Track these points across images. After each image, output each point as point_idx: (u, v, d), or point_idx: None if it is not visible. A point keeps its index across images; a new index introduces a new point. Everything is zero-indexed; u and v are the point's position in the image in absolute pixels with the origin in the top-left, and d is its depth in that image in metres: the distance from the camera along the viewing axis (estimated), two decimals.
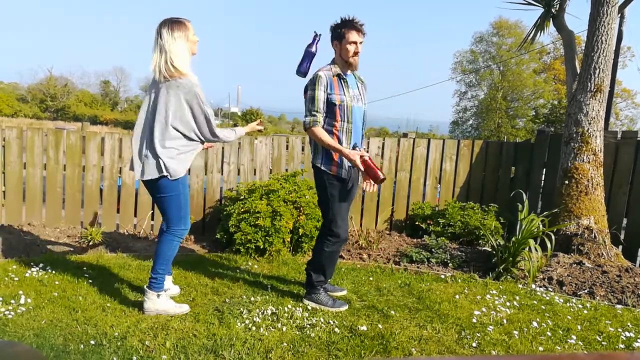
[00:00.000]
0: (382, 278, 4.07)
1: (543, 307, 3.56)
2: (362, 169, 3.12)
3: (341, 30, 3.23)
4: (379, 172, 3.11)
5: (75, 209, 5.18)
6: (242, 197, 4.81)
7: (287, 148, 5.62)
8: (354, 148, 3.22)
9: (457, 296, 3.70)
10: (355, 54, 3.23)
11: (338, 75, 3.26)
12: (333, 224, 3.33)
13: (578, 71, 5.02)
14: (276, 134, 27.60)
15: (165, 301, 3.18)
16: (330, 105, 3.21)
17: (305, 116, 3.23)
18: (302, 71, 3.31)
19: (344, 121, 3.24)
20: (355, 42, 3.20)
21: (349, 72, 3.33)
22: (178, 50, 3.02)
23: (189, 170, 5.35)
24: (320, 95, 3.19)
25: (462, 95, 39.17)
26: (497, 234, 4.93)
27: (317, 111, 3.19)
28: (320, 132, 3.19)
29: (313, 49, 3.32)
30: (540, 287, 3.99)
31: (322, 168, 3.29)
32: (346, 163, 3.25)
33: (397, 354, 2.75)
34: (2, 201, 5.02)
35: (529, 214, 4.30)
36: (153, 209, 5.21)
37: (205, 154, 5.36)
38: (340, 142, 3.23)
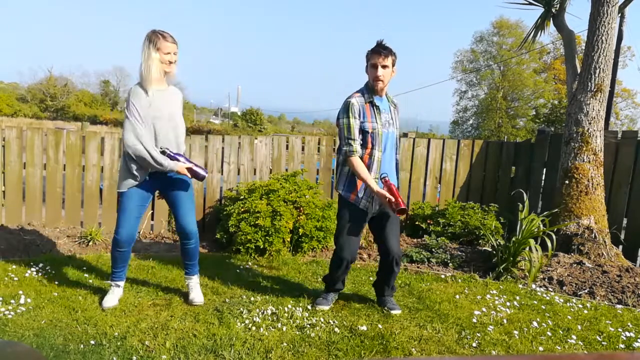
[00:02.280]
0: None
1: (543, 307, 3.56)
2: (386, 201, 3.06)
3: (368, 55, 3.18)
4: (400, 200, 3.03)
5: (75, 209, 5.18)
6: (242, 197, 4.81)
7: (287, 148, 5.62)
8: (382, 178, 3.18)
9: (457, 296, 3.69)
10: (376, 78, 3.12)
11: (370, 102, 3.19)
12: (336, 242, 3.31)
13: (578, 71, 5.02)
14: (276, 133, 27.61)
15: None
16: (362, 133, 3.15)
17: (343, 145, 3.18)
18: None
19: (375, 149, 3.18)
20: (375, 65, 3.11)
21: (381, 96, 3.23)
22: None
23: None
24: (354, 122, 3.13)
25: (463, 95, 39.16)
26: (497, 234, 4.93)
27: (353, 139, 3.13)
28: (357, 162, 3.13)
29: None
30: (540, 287, 3.99)
31: (342, 194, 3.29)
32: (367, 196, 3.20)
33: (397, 354, 2.75)
34: (2, 201, 5.02)
35: (529, 213, 4.29)
36: (153, 209, 5.21)
37: (205, 153, 5.36)
38: (369, 170, 3.17)
